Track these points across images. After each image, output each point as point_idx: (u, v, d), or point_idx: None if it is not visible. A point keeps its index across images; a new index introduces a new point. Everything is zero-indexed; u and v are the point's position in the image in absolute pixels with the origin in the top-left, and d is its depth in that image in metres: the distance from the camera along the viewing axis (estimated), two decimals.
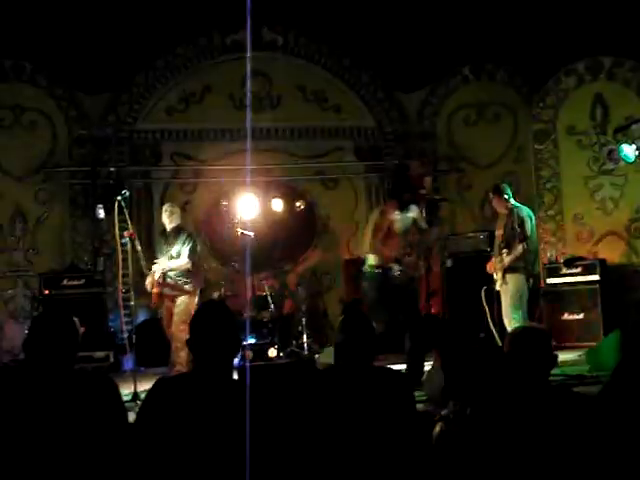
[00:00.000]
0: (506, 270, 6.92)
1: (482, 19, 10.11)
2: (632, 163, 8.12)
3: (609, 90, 9.65)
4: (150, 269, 7.04)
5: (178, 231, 7.28)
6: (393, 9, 10.17)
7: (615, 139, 8.98)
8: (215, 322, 2.95)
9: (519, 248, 6.87)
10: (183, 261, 7.08)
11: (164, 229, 7.40)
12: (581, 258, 9.06)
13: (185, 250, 7.10)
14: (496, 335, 7.04)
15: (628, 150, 7.89)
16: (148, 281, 7.05)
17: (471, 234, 9.49)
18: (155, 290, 6.98)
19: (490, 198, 7.35)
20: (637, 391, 3.23)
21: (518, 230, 6.86)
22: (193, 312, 6.47)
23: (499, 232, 7.13)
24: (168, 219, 7.29)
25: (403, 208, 6.72)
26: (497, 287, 7.03)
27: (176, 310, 6.96)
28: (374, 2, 10.09)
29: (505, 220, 7.04)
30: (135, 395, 5.92)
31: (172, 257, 7.10)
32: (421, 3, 10.20)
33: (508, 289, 6.91)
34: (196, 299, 7.17)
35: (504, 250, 6.93)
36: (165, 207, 7.49)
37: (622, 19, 9.21)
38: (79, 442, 2.86)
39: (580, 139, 9.73)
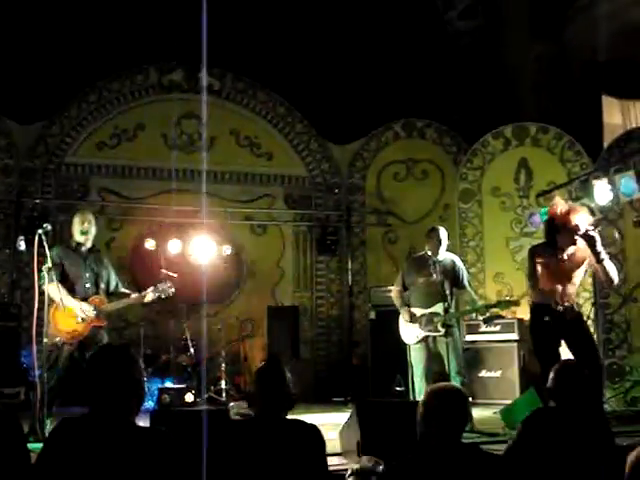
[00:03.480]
0: (449, 324, 6.47)
1: (417, 79, 10.42)
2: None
3: (534, 155, 9.97)
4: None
5: (99, 254, 6.49)
6: (331, 62, 10.39)
7: (537, 203, 9.28)
8: (106, 366, 2.89)
9: (471, 294, 6.81)
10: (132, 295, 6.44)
11: (77, 244, 6.30)
12: (500, 316, 9.19)
13: (116, 280, 6.48)
14: (411, 390, 6.94)
15: None
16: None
17: None
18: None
19: (435, 241, 6.68)
20: (541, 450, 3.30)
21: (462, 277, 6.75)
22: None
23: (430, 279, 6.60)
24: (91, 234, 6.33)
25: None
26: (431, 334, 6.57)
27: None
28: (312, 54, 10.30)
29: (438, 267, 6.58)
30: (43, 436, 5.70)
31: (97, 284, 6.29)
32: (359, 59, 10.47)
33: (452, 342, 6.49)
34: None
35: (447, 298, 6.49)
36: (87, 216, 6.38)
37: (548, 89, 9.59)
38: None
39: (504, 201, 10.00)
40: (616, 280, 5.98)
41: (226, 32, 10.19)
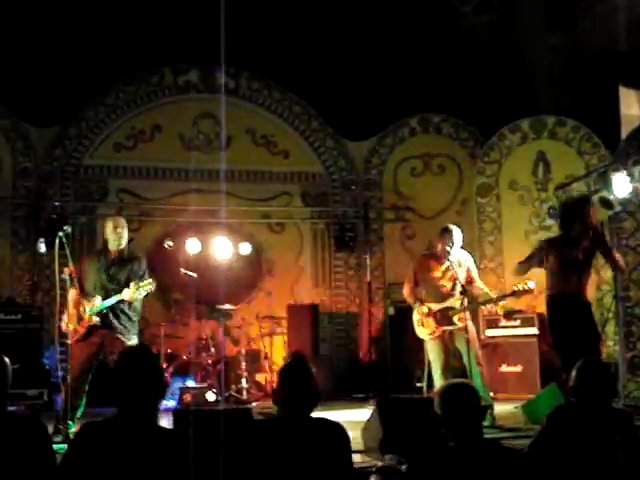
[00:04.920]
0: (465, 317, 6.52)
1: (433, 74, 10.39)
2: None
3: (551, 148, 9.92)
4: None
5: (134, 255, 6.43)
6: (346, 59, 10.39)
7: (556, 196, 9.22)
8: (138, 368, 2.92)
9: (483, 288, 6.82)
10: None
11: (104, 247, 6.32)
12: (520, 311, 9.17)
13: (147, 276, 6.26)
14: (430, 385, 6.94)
15: None
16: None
17: None
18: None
19: (449, 241, 6.68)
20: (564, 445, 3.30)
21: (473, 272, 6.84)
22: None
23: (445, 275, 6.71)
24: (123, 237, 6.29)
25: None
26: (448, 329, 6.62)
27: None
28: (327, 51, 10.30)
29: (451, 263, 6.64)
30: (67, 437, 5.76)
31: (117, 286, 6.18)
32: (374, 55, 10.46)
33: (470, 334, 6.52)
34: None
35: (459, 293, 6.59)
36: (120, 220, 6.39)
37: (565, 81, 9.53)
38: None
39: (522, 194, 9.96)
40: (623, 266, 6.24)
41: (240, 31, 10.20)
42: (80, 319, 6.18)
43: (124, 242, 6.31)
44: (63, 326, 6.21)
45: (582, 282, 6.10)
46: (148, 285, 6.07)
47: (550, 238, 6.46)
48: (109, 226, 6.31)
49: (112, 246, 6.28)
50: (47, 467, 2.93)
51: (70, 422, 5.90)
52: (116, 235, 6.25)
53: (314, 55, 10.31)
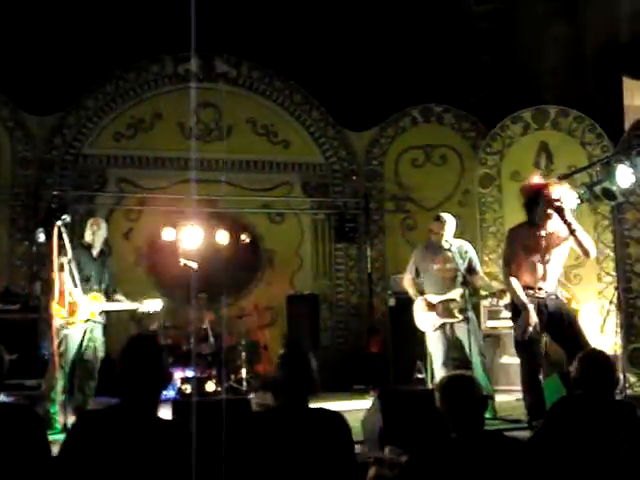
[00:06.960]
0: (466, 309, 6.47)
1: (435, 64, 10.33)
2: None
3: (554, 139, 9.85)
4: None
5: (106, 257, 6.83)
6: (347, 49, 10.32)
7: None
8: (143, 358, 2.89)
9: (484, 279, 6.83)
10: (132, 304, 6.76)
11: (89, 245, 6.68)
12: None
13: (113, 285, 6.77)
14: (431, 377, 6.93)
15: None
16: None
17: None
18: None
19: (441, 229, 6.75)
20: (567, 436, 3.26)
21: (475, 263, 6.81)
22: None
23: (445, 266, 6.72)
24: (102, 237, 6.71)
25: None
26: (449, 321, 6.64)
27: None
28: (328, 41, 10.23)
29: (452, 254, 6.59)
30: (65, 427, 5.74)
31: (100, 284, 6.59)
32: (375, 45, 10.39)
33: (471, 325, 6.49)
34: None
35: (460, 284, 6.57)
36: (99, 220, 6.89)
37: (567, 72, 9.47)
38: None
39: None
40: (592, 251, 5.96)
41: (241, 20, 10.15)
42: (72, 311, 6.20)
43: (100, 240, 6.65)
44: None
45: (546, 275, 5.98)
46: (156, 306, 6.73)
47: (516, 226, 6.22)
48: (87, 225, 6.73)
49: (89, 241, 6.62)
50: (41, 457, 2.90)
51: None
52: (101, 232, 6.63)
53: (315, 44, 10.25)
